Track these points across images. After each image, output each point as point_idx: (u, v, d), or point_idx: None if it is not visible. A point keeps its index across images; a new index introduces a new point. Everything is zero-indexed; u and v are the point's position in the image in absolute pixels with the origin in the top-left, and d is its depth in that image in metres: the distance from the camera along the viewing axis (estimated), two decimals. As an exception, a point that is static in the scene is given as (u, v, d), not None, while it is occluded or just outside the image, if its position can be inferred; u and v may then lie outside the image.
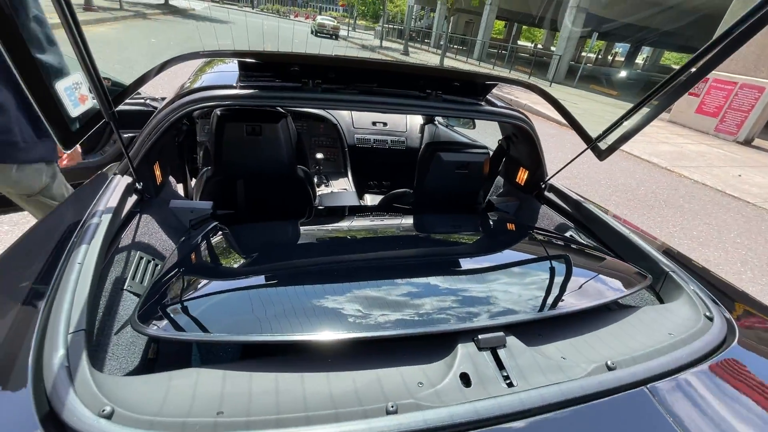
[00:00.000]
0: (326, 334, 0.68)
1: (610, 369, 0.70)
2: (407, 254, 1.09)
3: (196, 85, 1.28)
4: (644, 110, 1.25)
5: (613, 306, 1.10)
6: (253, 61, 1.20)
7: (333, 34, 24.47)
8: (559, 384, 0.64)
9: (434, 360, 0.69)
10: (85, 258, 0.79)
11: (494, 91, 1.64)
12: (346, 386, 0.61)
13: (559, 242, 1.24)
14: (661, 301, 1.07)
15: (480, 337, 0.70)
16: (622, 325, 0.85)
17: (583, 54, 23.63)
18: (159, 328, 0.67)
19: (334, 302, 0.78)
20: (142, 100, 2.39)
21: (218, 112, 1.44)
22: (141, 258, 1.00)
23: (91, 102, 0.92)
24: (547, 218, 1.58)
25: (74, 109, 0.90)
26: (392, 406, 0.58)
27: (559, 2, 16.73)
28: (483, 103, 1.50)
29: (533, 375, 0.66)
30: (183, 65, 1.37)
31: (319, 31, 24.32)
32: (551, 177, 1.64)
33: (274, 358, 0.67)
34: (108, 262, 0.92)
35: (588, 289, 0.92)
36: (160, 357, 0.82)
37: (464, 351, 0.68)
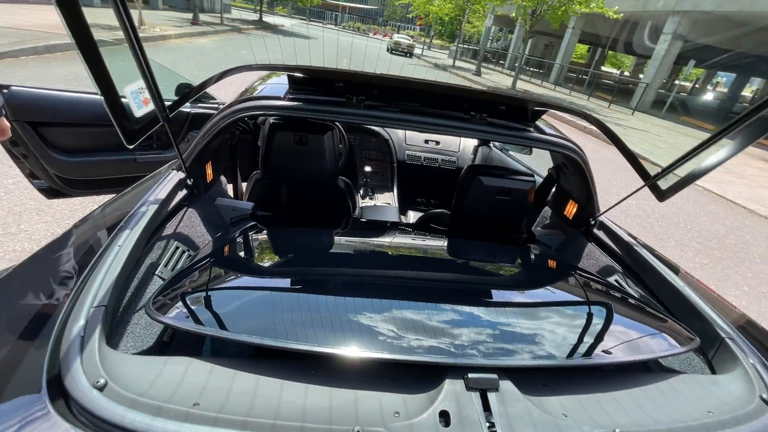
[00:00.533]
0: (317, 346, 0.68)
1: None
2: (422, 277, 1.07)
3: (252, 94, 1.39)
4: (721, 147, 1.11)
5: (649, 366, 0.97)
6: (301, 75, 1.27)
7: (407, 53, 25.11)
8: None
9: (418, 391, 0.66)
10: (125, 241, 0.88)
11: (568, 117, 1.56)
12: (321, 401, 0.61)
13: (596, 286, 1.13)
14: (714, 372, 0.92)
15: (470, 375, 0.66)
16: (650, 391, 0.75)
17: (677, 82, 21.54)
18: (167, 315, 0.72)
19: (333, 315, 0.78)
20: (216, 105, 2.64)
21: (271, 121, 1.54)
22: (177, 248, 1.10)
23: (153, 105, 1.04)
24: (592, 258, 1.45)
25: (138, 110, 1.03)
26: (358, 431, 0.56)
27: (651, 28, 15.54)
28: (531, 129, 1.43)
29: (522, 427, 0.60)
30: (251, 76, 1.51)
31: (395, 49, 25.10)
32: (602, 213, 1.51)
33: (263, 360, 0.69)
34: (149, 248, 1.02)
35: (614, 342, 0.83)
36: (173, 342, 0.88)
37: (450, 388, 0.65)
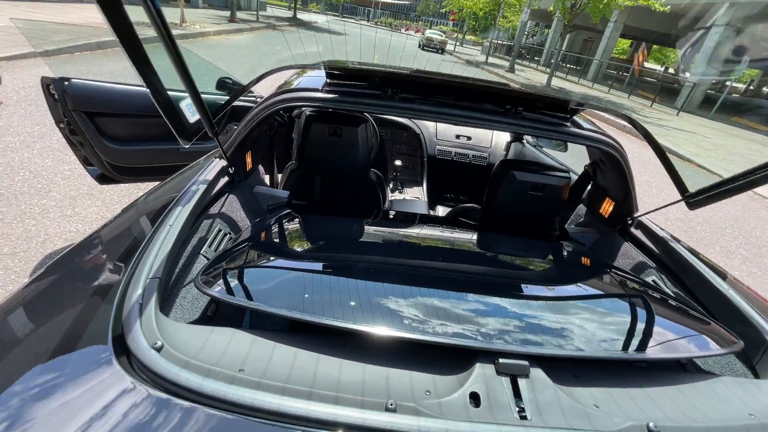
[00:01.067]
0: (353, 324, 0.71)
1: None
2: (452, 267, 1.08)
3: (290, 87, 1.44)
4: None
5: (687, 366, 0.94)
6: (338, 71, 1.31)
7: (439, 49, 24.81)
8: (575, 430, 0.58)
9: (449, 373, 0.68)
10: (174, 221, 0.95)
11: (605, 114, 1.57)
12: (355, 376, 0.64)
13: (632, 284, 1.10)
14: (758, 377, 0.89)
15: (500, 361, 0.67)
16: (686, 389, 0.73)
17: (728, 83, 20.07)
18: (214, 289, 0.78)
19: (366, 298, 0.81)
20: (254, 98, 2.74)
21: (307, 113, 1.59)
22: (220, 230, 1.16)
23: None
24: (628, 258, 1.40)
25: (191, 117, 1.12)
26: (392, 404, 0.59)
27: (701, 20, 14.60)
28: (568, 124, 1.41)
29: (551, 414, 0.61)
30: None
31: (427, 45, 24.85)
32: (642, 215, 1.46)
33: (300, 335, 0.73)
34: (195, 229, 1.09)
35: (650, 339, 0.81)
36: (216, 316, 0.94)
37: (481, 371, 0.66)
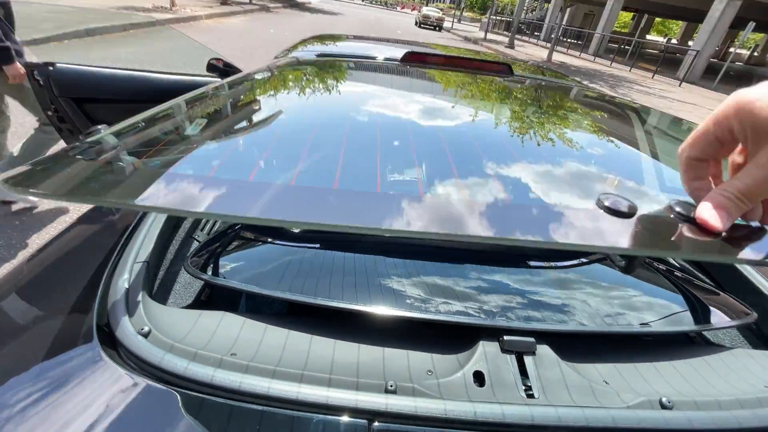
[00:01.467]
0: (348, 304, 0.68)
1: (664, 407, 0.58)
2: (452, 244, 1.05)
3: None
4: None
5: (697, 339, 0.92)
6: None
7: (436, 26, 24.24)
8: (584, 408, 0.55)
9: (450, 352, 0.65)
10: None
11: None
12: (350, 357, 0.61)
13: (639, 258, 1.07)
14: None
15: (505, 338, 0.64)
16: (697, 363, 0.70)
17: (732, 50, 19.56)
18: (204, 272, 0.75)
19: (365, 276, 0.78)
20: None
21: None
22: None
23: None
24: None
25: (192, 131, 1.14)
26: (392, 386, 0.56)
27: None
28: None
29: (559, 392, 0.59)
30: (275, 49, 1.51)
31: (423, 23, 24.28)
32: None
33: (293, 317, 0.70)
34: None
35: (660, 313, 0.78)
36: (209, 300, 0.92)
37: (484, 349, 0.63)
